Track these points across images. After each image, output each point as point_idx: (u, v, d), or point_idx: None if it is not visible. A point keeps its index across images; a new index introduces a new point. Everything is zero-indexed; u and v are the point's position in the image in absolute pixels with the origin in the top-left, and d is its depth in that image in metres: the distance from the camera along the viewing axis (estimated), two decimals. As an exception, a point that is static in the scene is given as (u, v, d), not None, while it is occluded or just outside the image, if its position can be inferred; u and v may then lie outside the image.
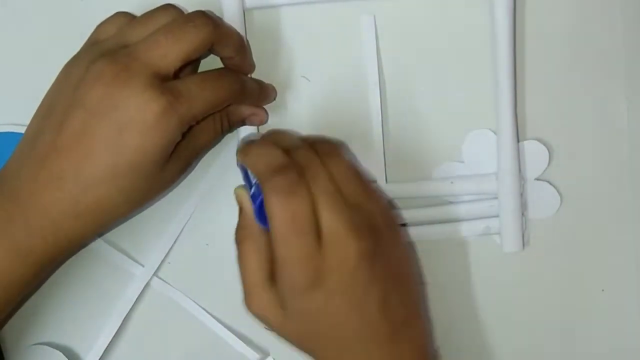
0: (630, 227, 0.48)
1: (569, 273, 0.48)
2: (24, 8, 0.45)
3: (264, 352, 0.47)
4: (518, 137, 0.45)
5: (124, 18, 0.41)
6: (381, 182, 0.46)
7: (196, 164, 0.46)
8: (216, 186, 0.46)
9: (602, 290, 0.48)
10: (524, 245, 0.46)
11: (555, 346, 0.48)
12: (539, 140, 0.46)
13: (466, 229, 0.46)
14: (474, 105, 0.46)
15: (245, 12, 0.45)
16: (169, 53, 0.37)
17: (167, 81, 0.38)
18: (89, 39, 0.41)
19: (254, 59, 0.45)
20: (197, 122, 0.40)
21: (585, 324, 0.48)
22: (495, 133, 0.46)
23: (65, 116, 0.38)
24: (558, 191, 0.47)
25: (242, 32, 0.44)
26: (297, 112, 0.46)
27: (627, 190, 0.47)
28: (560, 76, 0.46)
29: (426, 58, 0.46)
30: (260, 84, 0.45)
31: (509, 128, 0.45)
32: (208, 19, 0.39)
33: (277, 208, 0.36)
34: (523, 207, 0.46)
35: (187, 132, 0.39)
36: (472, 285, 0.48)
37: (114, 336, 0.47)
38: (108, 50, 0.38)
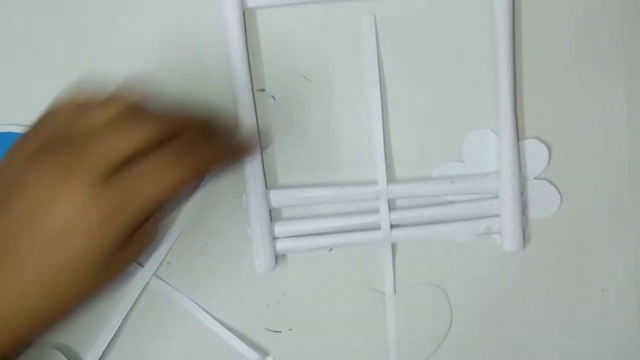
0: (630, 227, 0.48)
1: (569, 273, 0.48)
2: (24, 8, 0.45)
3: (264, 352, 0.47)
4: (518, 137, 0.45)
5: (76, 102, 0.37)
6: (381, 182, 0.46)
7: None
8: (216, 186, 0.46)
9: (602, 290, 0.48)
10: (524, 244, 0.46)
11: (556, 346, 0.48)
12: (539, 139, 0.46)
13: (466, 229, 0.46)
14: (474, 105, 0.46)
15: (245, 12, 0.45)
16: (118, 146, 0.33)
17: (114, 173, 0.33)
18: (39, 119, 0.37)
19: (254, 59, 0.45)
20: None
21: (585, 324, 0.48)
22: (495, 132, 0.46)
23: (7, 204, 0.33)
24: (558, 190, 0.47)
25: (242, 32, 0.44)
26: (297, 113, 0.46)
27: (627, 189, 0.47)
28: (560, 75, 0.46)
29: (426, 58, 0.46)
30: (240, 145, 0.40)
31: (509, 127, 0.45)
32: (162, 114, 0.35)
33: None
34: (523, 206, 0.46)
35: (139, 231, 0.35)
36: (472, 285, 0.48)
37: (114, 336, 0.47)
38: (54, 140, 0.34)
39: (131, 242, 0.34)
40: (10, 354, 0.34)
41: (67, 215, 0.32)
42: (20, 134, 0.45)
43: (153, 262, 0.47)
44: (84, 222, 0.33)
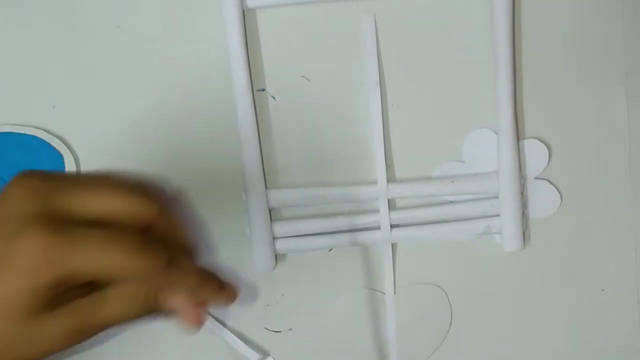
0: (630, 227, 0.48)
1: (569, 272, 0.48)
2: (24, 8, 0.45)
3: (264, 352, 0.47)
4: (518, 136, 0.46)
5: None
6: (381, 182, 0.46)
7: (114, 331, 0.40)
8: (216, 186, 0.46)
9: (602, 290, 0.48)
10: (524, 244, 0.46)
11: (556, 345, 0.48)
12: (539, 139, 0.46)
13: (467, 229, 0.46)
14: (474, 105, 0.46)
15: (245, 12, 0.45)
16: (89, 210, 0.30)
17: (66, 222, 0.30)
18: None
19: (254, 59, 0.45)
20: (93, 285, 0.31)
21: (585, 323, 0.48)
22: (495, 132, 0.46)
23: None
24: (558, 190, 0.47)
25: (242, 32, 0.44)
26: (297, 112, 0.46)
27: (627, 189, 0.47)
28: (560, 75, 0.46)
29: (426, 58, 0.46)
30: (216, 278, 0.34)
31: (509, 127, 0.45)
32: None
33: None
34: (523, 206, 0.46)
35: (97, 293, 0.31)
36: (472, 285, 0.48)
37: (114, 336, 0.47)
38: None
39: (61, 316, 0.31)
40: None
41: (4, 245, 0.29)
42: (21, 134, 0.46)
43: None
44: (9, 251, 0.29)
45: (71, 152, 0.45)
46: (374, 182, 0.46)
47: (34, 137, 0.45)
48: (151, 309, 0.33)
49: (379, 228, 0.46)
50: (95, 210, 0.30)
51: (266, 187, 0.46)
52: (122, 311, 0.32)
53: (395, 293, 0.48)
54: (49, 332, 0.31)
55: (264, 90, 0.46)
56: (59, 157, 0.46)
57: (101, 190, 0.31)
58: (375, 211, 0.46)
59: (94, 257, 0.29)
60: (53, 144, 0.45)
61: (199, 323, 0.33)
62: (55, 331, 0.31)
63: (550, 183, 0.47)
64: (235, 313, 0.47)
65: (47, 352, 0.32)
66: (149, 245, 0.30)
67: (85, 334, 0.32)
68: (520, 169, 0.46)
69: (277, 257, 0.47)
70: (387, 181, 0.46)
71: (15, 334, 0.30)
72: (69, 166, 0.45)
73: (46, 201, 0.30)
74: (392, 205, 0.47)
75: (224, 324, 0.47)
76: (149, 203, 0.31)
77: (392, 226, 0.46)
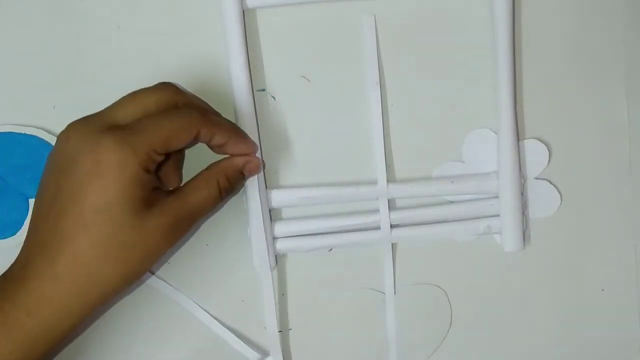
0: (630, 227, 0.48)
1: (569, 272, 0.48)
2: (24, 8, 0.45)
3: (264, 352, 0.47)
4: (518, 136, 0.45)
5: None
6: (381, 182, 0.46)
7: (195, 230, 0.46)
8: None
9: (602, 290, 0.48)
10: (524, 244, 0.46)
11: (556, 346, 0.48)
12: (539, 139, 0.46)
13: (467, 229, 0.46)
14: (474, 105, 0.46)
15: (245, 12, 0.45)
16: (129, 110, 0.38)
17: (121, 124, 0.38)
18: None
19: (254, 59, 0.45)
20: (168, 159, 0.40)
21: (585, 323, 0.48)
22: (495, 132, 0.46)
23: (42, 183, 0.38)
24: (558, 190, 0.47)
25: (242, 32, 0.44)
26: (297, 112, 0.46)
27: (628, 189, 0.47)
28: (560, 75, 0.46)
29: (426, 58, 0.46)
30: (232, 124, 0.42)
31: (509, 127, 0.45)
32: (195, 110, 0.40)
33: None
34: (523, 206, 0.46)
35: (177, 189, 0.39)
36: (472, 285, 0.48)
37: (114, 336, 0.47)
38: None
39: (160, 212, 0.37)
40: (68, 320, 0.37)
41: (83, 161, 0.36)
42: (20, 133, 0.46)
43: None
44: (94, 159, 0.36)
45: (71, 152, 0.45)
46: (374, 182, 0.46)
47: (35, 136, 0.45)
48: (224, 188, 0.41)
49: (379, 228, 0.46)
50: (134, 111, 0.38)
51: (266, 187, 0.46)
52: (203, 197, 0.40)
53: (395, 293, 0.48)
54: (151, 231, 0.37)
55: (264, 90, 0.46)
56: (59, 157, 0.46)
57: (128, 99, 0.39)
58: (375, 211, 0.46)
59: (156, 131, 0.37)
60: (53, 143, 0.45)
61: (260, 165, 0.43)
62: (156, 230, 0.37)
63: (551, 183, 0.47)
64: (235, 313, 0.47)
65: (150, 253, 0.38)
66: (184, 108, 0.39)
67: (180, 229, 0.39)
68: (520, 169, 0.46)
69: (277, 257, 0.47)
70: (387, 181, 0.46)
71: (122, 235, 0.36)
72: (69, 166, 0.45)
73: (99, 121, 0.37)
74: (392, 205, 0.47)
75: (224, 324, 0.47)
76: (166, 89, 0.39)
77: (392, 226, 0.46)
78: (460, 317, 0.48)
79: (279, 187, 0.46)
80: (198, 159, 0.43)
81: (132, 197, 0.36)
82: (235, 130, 0.42)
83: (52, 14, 0.45)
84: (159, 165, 0.40)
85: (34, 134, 0.45)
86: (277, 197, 0.46)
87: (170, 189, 0.41)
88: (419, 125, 0.47)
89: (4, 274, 0.38)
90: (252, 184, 0.45)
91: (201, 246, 0.47)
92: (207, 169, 0.41)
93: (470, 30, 0.46)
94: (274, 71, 0.46)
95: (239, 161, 0.42)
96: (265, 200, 0.45)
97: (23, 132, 0.45)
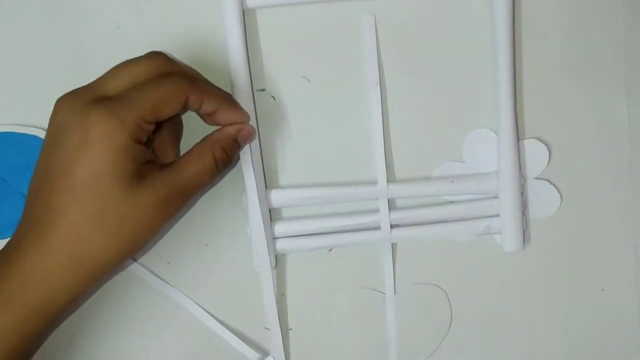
0: (630, 227, 0.48)
1: (569, 272, 0.48)
2: (24, 7, 0.45)
3: (264, 352, 0.47)
4: (518, 136, 0.45)
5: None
6: (381, 182, 0.46)
7: (192, 204, 0.46)
8: (216, 186, 0.46)
9: (602, 290, 0.48)
10: (524, 244, 0.46)
11: (556, 346, 0.48)
12: (539, 139, 0.46)
13: (467, 229, 0.46)
14: (474, 105, 0.46)
15: (245, 12, 0.45)
16: (119, 82, 0.38)
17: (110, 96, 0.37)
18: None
19: (254, 59, 0.45)
20: (159, 128, 0.40)
21: (585, 324, 0.48)
22: (495, 132, 0.46)
23: (37, 160, 0.38)
24: (558, 190, 0.47)
25: (242, 33, 0.44)
26: (297, 112, 0.46)
27: (627, 189, 0.47)
28: (560, 75, 0.46)
29: (426, 58, 0.46)
30: (222, 91, 0.42)
31: (509, 127, 0.45)
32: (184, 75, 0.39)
33: None
34: (523, 206, 0.46)
35: (171, 163, 0.39)
36: (472, 285, 0.48)
37: (114, 336, 0.47)
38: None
39: (151, 186, 0.37)
40: (65, 295, 0.37)
41: (73, 133, 0.36)
42: (20, 133, 0.46)
43: (153, 261, 0.47)
44: (82, 132, 0.36)
45: (71, 152, 0.45)
46: (374, 182, 0.46)
47: (35, 136, 0.45)
48: (220, 159, 0.40)
49: (379, 228, 0.46)
50: (123, 82, 0.38)
51: (266, 187, 0.46)
52: (198, 170, 0.39)
53: (395, 293, 0.48)
54: (143, 205, 0.37)
55: (264, 90, 0.46)
56: (59, 157, 0.46)
57: (118, 69, 0.38)
58: (375, 211, 0.46)
59: (144, 100, 0.36)
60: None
61: (253, 132, 0.43)
62: (148, 204, 0.37)
63: (551, 183, 0.47)
64: (235, 313, 0.47)
65: (144, 228, 0.37)
66: (172, 75, 0.38)
67: (174, 204, 0.38)
68: (520, 169, 0.46)
69: (277, 257, 0.47)
70: (387, 181, 0.46)
71: (114, 208, 0.36)
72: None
73: (87, 94, 0.37)
74: (392, 205, 0.47)
75: (224, 324, 0.47)
76: (156, 57, 0.39)
77: (392, 226, 0.46)
78: (460, 317, 0.48)
79: (279, 187, 0.46)
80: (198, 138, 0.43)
81: (123, 169, 0.36)
82: (225, 97, 0.41)
83: (52, 14, 0.45)
84: (154, 138, 0.40)
85: (34, 133, 0.45)
86: (277, 197, 0.46)
87: (166, 161, 0.41)
88: (419, 125, 0.47)
89: (1, 250, 0.38)
90: (252, 184, 0.45)
91: (201, 246, 0.47)
92: (201, 141, 0.41)
93: (470, 30, 0.46)
94: (274, 71, 0.46)
95: (231, 130, 0.41)
96: (265, 200, 0.45)
97: (24, 132, 0.45)
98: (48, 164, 0.37)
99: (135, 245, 0.38)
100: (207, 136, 0.41)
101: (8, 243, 0.38)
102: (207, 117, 0.41)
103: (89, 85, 0.38)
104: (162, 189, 0.37)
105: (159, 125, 0.39)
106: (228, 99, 0.41)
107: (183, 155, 0.40)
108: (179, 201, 0.39)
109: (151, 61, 0.39)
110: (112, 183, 0.36)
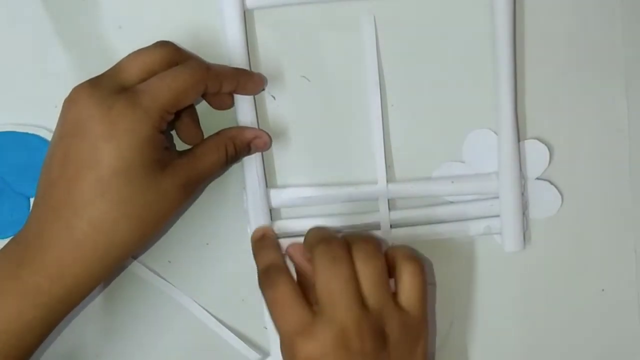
0: (630, 227, 0.48)
1: (570, 273, 0.48)
2: (25, 7, 0.45)
3: (264, 352, 0.47)
4: (518, 137, 0.45)
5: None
6: (381, 182, 0.46)
7: (202, 190, 0.46)
8: (216, 185, 0.46)
9: (602, 290, 0.48)
10: (525, 244, 0.46)
11: (556, 346, 0.48)
12: (540, 139, 0.46)
13: (467, 229, 0.46)
14: (474, 105, 0.46)
15: (245, 12, 0.45)
16: (134, 71, 0.39)
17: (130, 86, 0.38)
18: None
19: (254, 59, 0.45)
20: (178, 118, 0.42)
21: (585, 324, 0.48)
22: (495, 132, 0.46)
23: (51, 149, 0.39)
24: (559, 190, 0.47)
25: (242, 32, 0.44)
26: (297, 112, 0.46)
27: (628, 189, 0.47)
28: (560, 75, 0.46)
29: (426, 58, 0.46)
30: (234, 68, 0.43)
31: (510, 127, 0.45)
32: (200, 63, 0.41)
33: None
34: (524, 206, 0.46)
35: (188, 151, 0.41)
36: (473, 285, 0.48)
37: (114, 336, 0.47)
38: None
39: (173, 173, 0.39)
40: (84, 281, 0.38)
41: (96, 125, 0.36)
42: (21, 133, 0.46)
43: (153, 260, 0.47)
44: (107, 123, 0.36)
45: (71, 151, 0.45)
46: (374, 182, 0.46)
47: (36, 136, 0.45)
48: (231, 154, 0.42)
49: (379, 228, 0.46)
50: (138, 72, 0.39)
51: (266, 187, 0.46)
52: (212, 162, 0.41)
53: (395, 293, 0.47)
54: (166, 190, 0.38)
55: (263, 89, 0.46)
56: (60, 157, 0.46)
57: (131, 59, 0.39)
58: (375, 211, 0.46)
59: (165, 91, 0.38)
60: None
61: (267, 142, 0.45)
62: (170, 189, 0.39)
63: (551, 183, 0.47)
64: (235, 313, 0.47)
65: (165, 211, 0.39)
66: (186, 65, 0.40)
67: (190, 190, 0.40)
68: (520, 170, 0.46)
69: (277, 257, 0.47)
70: (387, 181, 0.46)
71: (140, 196, 0.37)
72: (70, 166, 0.45)
73: (106, 84, 0.38)
74: (392, 205, 0.47)
75: (224, 324, 0.47)
76: (167, 46, 0.40)
77: (392, 226, 0.46)
78: (460, 317, 0.48)
79: (279, 187, 0.46)
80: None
81: (148, 158, 0.38)
82: (239, 72, 0.43)
83: (53, 14, 0.45)
84: (174, 123, 0.41)
85: (35, 133, 0.45)
86: (277, 197, 0.46)
87: (192, 145, 0.43)
88: (419, 125, 0.47)
89: (15, 239, 0.39)
90: (252, 184, 0.45)
91: (201, 246, 0.47)
92: (217, 134, 0.43)
93: (470, 30, 0.46)
94: (274, 71, 0.46)
95: (248, 134, 0.43)
96: (265, 200, 0.45)
97: (24, 131, 0.45)
98: (67, 153, 0.37)
99: (156, 229, 0.39)
100: (223, 130, 0.43)
101: (24, 231, 0.39)
102: (225, 98, 0.43)
103: (104, 74, 0.39)
104: (182, 176, 0.39)
105: (178, 113, 0.40)
106: (243, 73, 0.43)
107: (199, 145, 0.42)
108: (194, 187, 0.41)
109: (163, 51, 0.40)
110: (140, 172, 0.37)
